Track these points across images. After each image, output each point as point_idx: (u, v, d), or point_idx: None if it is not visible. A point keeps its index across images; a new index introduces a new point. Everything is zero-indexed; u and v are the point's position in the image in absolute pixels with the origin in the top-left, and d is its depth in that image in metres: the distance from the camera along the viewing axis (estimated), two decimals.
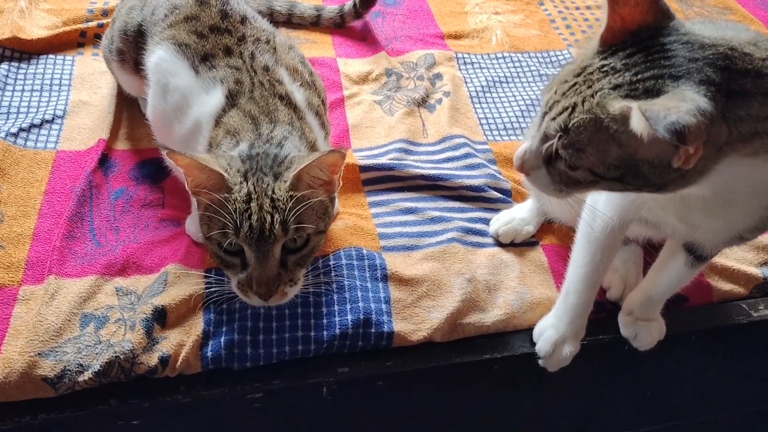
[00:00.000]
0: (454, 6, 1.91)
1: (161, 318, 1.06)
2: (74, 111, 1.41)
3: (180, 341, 1.04)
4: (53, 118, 1.38)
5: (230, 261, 0.98)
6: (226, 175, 0.94)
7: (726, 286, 1.27)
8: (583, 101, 0.77)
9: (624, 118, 0.73)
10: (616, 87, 0.76)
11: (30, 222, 1.18)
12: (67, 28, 1.59)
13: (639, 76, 0.75)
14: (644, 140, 0.72)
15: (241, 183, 0.94)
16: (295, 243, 0.98)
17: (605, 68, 0.77)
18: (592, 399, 1.32)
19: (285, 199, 0.94)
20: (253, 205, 0.93)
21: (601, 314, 1.20)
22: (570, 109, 0.78)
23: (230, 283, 1.02)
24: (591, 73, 0.78)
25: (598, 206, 1.02)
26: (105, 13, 1.67)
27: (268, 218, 0.92)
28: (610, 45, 0.80)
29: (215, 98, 1.07)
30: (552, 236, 1.30)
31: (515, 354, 1.15)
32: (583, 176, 0.81)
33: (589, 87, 0.77)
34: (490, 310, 1.16)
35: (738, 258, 1.31)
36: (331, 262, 1.17)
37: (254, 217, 0.92)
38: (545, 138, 0.82)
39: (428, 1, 1.92)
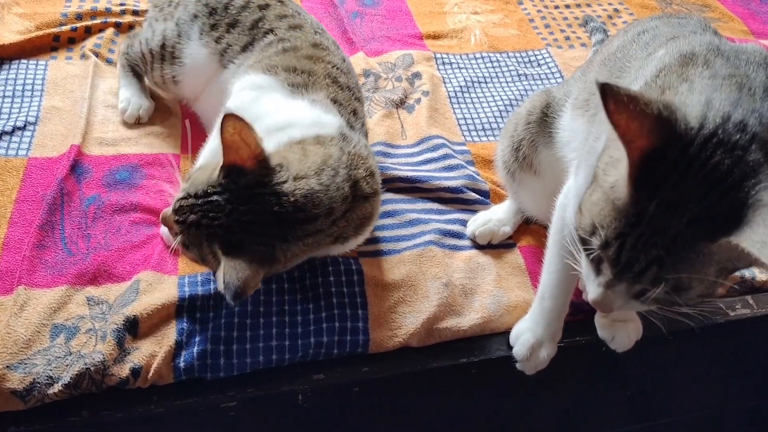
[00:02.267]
0: (433, 6, 1.91)
1: (133, 328, 1.05)
2: (47, 117, 1.39)
3: (152, 352, 1.03)
4: (25, 125, 1.36)
5: None
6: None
7: None
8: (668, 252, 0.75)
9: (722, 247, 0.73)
10: (690, 223, 0.73)
11: (0, 231, 1.17)
12: (40, 33, 1.57)
13: (705, 203, 0.73)
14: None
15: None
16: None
17: (662, 206, 0.74)
18: (572, 400, 1.31)
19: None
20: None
21: (578, 316, 1.19)
22: (658, 261, 0.76)
23: None
24: (653, 218, 0.75)
25: (568, 213, 1.01)
26: (79, 17, 1.65)
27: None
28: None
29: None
30: (529, 237, 1.30)
31: (492, 357, 1.14)
32: (691, 301, 0.81)
33: (663, 234, 0.74)
34: (466, 314, 1.16)
35: None
36: (307, 271, 1.16)
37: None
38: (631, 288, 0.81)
39: (407, 2, 1.91)
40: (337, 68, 1.26)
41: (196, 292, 1.10)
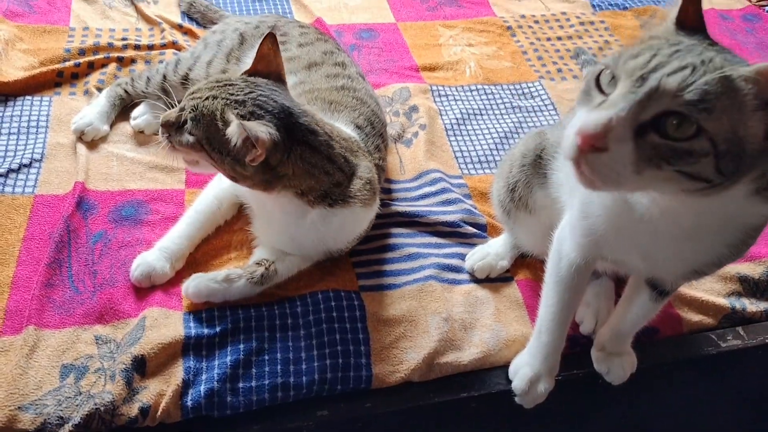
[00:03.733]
0: (429, 39, 1.95)
1: (141, 367, 1.07)
2: (52, 154, 1.42)
3: (160, 391, 1.05)
4: (31, 162, 1.39)
5: None
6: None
7: (695, 317, 1.30)
8: (702, 62, 0.72)
9: (754, 82, 0.71)
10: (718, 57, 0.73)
11: (8, 270, 1.19)
12: (45, 69, 1.59)
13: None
14: None
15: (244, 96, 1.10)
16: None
17: (702, 43, 0.76)
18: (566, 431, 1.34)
19: (211, 112, 1.08)
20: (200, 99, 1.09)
21: (576, 349, 1.22)
22: (691, 68, 0.72)
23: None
24: (692, 45, 0.75)
25: (564, 247, 1.05)
26: (82, 53, 1.68)
27: (200, 107, 1.09)
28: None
29: None
30: (526, 271, 1.33)
31: (492, 392, 1.17)
32: (699, 146, 0.71)
33: (699, 54, 0.73)
34: (466, 349, 1.18)
35: (706, 289, 1.34)
36: (310, 307, 1.18)
37: (199, 96, 1.10)
38: (648, 100, 0.72)
39: (403, 34, 1.95)
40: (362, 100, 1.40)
41: (201, 330, 1.13)
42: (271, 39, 1.13)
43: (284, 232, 1.21)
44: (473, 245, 1.36)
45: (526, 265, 1.34)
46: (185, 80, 1.50)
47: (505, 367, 1.19)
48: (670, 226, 0.88)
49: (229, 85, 1.09)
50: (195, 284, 1.16)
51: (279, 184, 1.12)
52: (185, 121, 1.08)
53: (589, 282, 1.27)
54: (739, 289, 1.36)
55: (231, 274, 1.17)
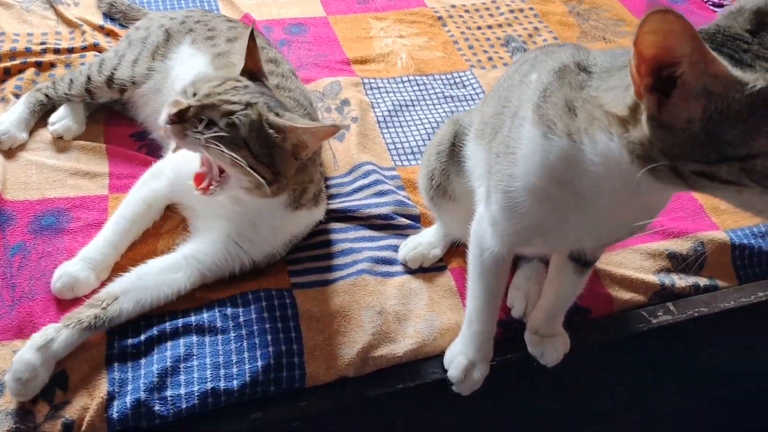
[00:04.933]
0: (360, 31, 1.94)
1: (62, 381, 1.03)
2: None
3: (84, 405, 1.02)
4: None
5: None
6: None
7: (626, 295, 1.32)
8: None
9: None
10: None
11: None
12: None
13: None
14: None
15: (261, 89, 1.16)
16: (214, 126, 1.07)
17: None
18: (509, 413, 1.35)
19: (252, 114, 1.09)
20: (231, 88, 1.12)
21: (509, 333, 1.23)
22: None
23: None
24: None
25: (485, 240, 1.05)
26: None
27: (228, 100, 1.10)
28: None
29: None
30: (459, 258, 1.33)
31: (428, 381, 1.17)
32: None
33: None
34: (401, 341, 1.18)
35: (636, 267, 1.37)
36: (240, 308, 1.16)
37: (223, 87, 1.12)
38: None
39: (334, 28, 1.94)
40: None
41: (125, 339, 1.10)
42: (252, 36, 1.16)
43: (250, 233, 1.20)
44: (406, 236, 1.35)
45: (459, 253, 1.34)
46: (110, 81, 1.46)
47: (441, 356, 1.19)
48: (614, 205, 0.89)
49: (246, 86, 1.12)
50: (9, 374, 1.01)
51: (293, 183, 1.15)
52: (209, 121, 1.06)
53: (518, 265, 1.29)
54: (668, 265, 1.39)
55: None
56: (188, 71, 1.41)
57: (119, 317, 1.09)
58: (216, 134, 1.04)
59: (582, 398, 1.40)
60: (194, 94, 1.08)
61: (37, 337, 1.02)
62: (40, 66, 1.62)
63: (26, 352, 1.00)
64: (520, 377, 1.26)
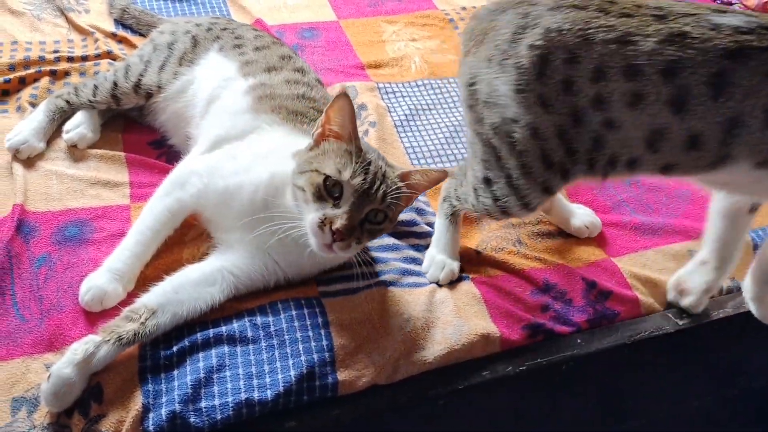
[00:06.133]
0: (372, 35, 1.93)
1: (97, 394, 1.03)
2: None
3: (119, 417, 1.01)
4: None
5: (325, 195, 1.10)
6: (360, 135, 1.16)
7: (651, 297, 1.33)
8: None
9: None
10: None
11: None
12: None
13: None
14: None
15: (365, 150, 1.14)
16: (376, 216, 1.12)
17: None
18: (539, 416, 1.35)
19: (391, 181, 1.13)
20: (371, 168, 1.11)
21: (538, 337, 1.24)
22: None
23: (304, 219, 1.11)
24: None
25: None
26: (12, 68, 1.61)
27: (377, 184, 1.10)
28: None
29: None
30: (479, 269, 1.33)
31: (458, 388, 1.17)
32: None
33: None
34: (429, 347, 1.18)
35: (660, 268, 1.38)
36: (270, 317, 1.16)
37: (368, 177, 1.10)
38: None
39: (346, 32, 1.93)
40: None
41: (157, 351, 1.09)
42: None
43: (295, 258, 1.19)
44: (427, 246, 1.35)
45: (480, 262, 1.34)
46: (138, 86, 1.45)
47: (470, 361, 1.19)
48: None
49: (369, 161, 1.12)
50: (47, 387, 1.00)
51: None
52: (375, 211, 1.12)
53: None
54: None
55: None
56: (216, 77, 1.41)
57: (156, 331, 1.08)
58: (379, 228, 1.14)
59: (608, 399, 1.40)
60: (336, 195, 1.09)
61: (77, 352, 1.01)
62: (54, 74, 1.61)
63: (65, 367, 0.99)
64: (549, 381, 1.26)
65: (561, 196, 1.38)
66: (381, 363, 1.14)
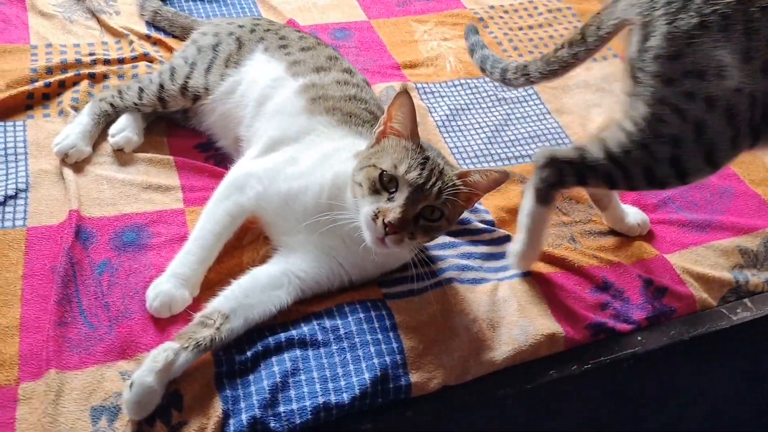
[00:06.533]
0: (404, 35, 1.93)
1: (177, 401, 1.02)
2: (37, 182, 1.34)
3: (201, 425, 1.01)
4: (16, 193, 1.30)
5: (381, 189, 1.10)
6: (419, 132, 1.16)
7: (705, 293, 1.34)
8: None
9: None
10: None
11: (14, 311, 1.11)
12: (13, 92, 1.50)
13: None
14: None
15: (425, 148, 1.14)
16: (432, 213, 1.11)
17: None
18: (602, 417, 1.36)
19: (448, 178, 1.11)
20: (428, 164, 1.10)
21: (599, 335, 1.24)
22: None
23: (359, 211, 1.11)
24: None
25: None
26: (50, 71, 1.59)
27: (433, 180, 1.09)
28: None
29: None
30: (539, 264, 1.33)
31: (527, 387, 1.18)
32: None
33: None
34: (497, 348, 1.18)
35: (711, 264, 1.39)
36: (338, 320, 1.15)
37: (424, 172, 1.09)
38: None
39: (378, 32, 1.93)
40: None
41: (231, 356, 1.09)
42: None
43: (360, 261, 1.19)
44: (484, 242, 1.36)
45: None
46: (185, 89, 1.44)
47: (536, 361, 1.20)
48: None
49: (426, 157, 1.12)
50: (130, 397, 0.99)
51: None
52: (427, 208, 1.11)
53: None
54: (740, 261, 1.41)
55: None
56: (264, 77, 1.40)
57: (230, 336, 1.08)
58: (434, 225, 1.12)
59: (665, 397, 1.41)
60: (392, 190, 1.09)
61: (157, 360, 1.00)
62: (93, 78, 1.60)
63: (146, 375, 0.98)
64: (612, 379, 1.27)
65: (616, 195, 1.39)
66: (450, 364, 1.14)
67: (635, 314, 1.28)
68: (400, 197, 1.08)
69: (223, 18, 1.72)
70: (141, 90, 1.46)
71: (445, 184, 1.10)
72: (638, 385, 1.32)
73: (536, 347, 1.20)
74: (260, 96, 1.39)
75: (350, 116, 1.33)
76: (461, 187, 1.12)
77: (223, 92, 1.44)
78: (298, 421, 1.04)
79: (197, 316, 1.09)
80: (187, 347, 1.02)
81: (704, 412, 1.46)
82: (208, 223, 1.22)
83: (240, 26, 1.54)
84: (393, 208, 1.07)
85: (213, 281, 1.21)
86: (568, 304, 1.26)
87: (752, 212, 1.52)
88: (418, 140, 1.13)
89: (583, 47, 1.30)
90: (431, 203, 1.10)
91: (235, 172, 1.29)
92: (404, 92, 1.11)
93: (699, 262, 1.39)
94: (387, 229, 1.07)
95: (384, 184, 1.10)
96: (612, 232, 1.43)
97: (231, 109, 1.43)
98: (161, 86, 1.45)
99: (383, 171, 1.09)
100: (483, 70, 1.47)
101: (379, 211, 1.08)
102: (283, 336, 1.12)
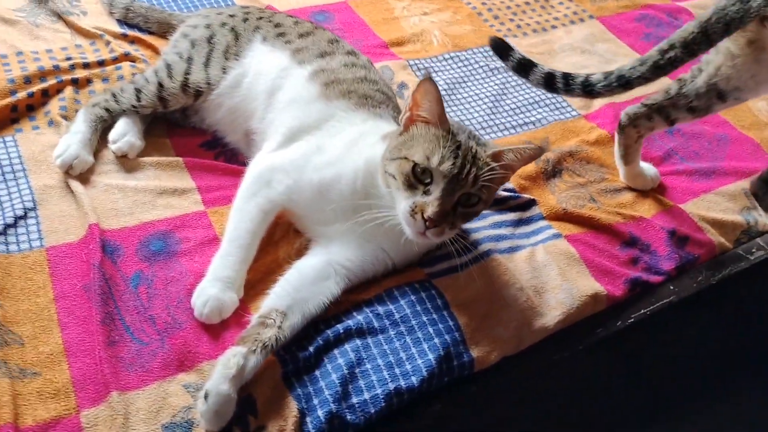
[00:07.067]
0: (384, 13, 1.90)
1: (251, 407, 0.99)
2: (44, 199, 1.25)
3: (279, 427, 0.98)
4: (25, 212, 1.22)
5: (416, 183, 1.08)
6: (450, 120, 1.12)
7: (722, 237, 1.39)
8: None
9: None
10: None
11: (54, 337, 1.05)
12: None
13: None
14: None
15: (456, 132, 1.10)
16: (469, 199, 1.09)
17: None
18: (642, 370, 1.40)
19: (483, 162, 1.09)
20: (460, 151, 1.08)
21: (636, 290, 1.28)
22: None
23: (397, 207, 1.10)
24: None
25: None
26: (28, 80, 1.49)
27: (467, 167, 1.07)
28: None
29: None
30: (570, 226, 1.35)
31: (579, 348, 1.20)
32: None
33: None
34: (547, 313, 1.20)
35: (723, 209, 1.45)
36: (390, 306, 1.14)
37: (458, 161, 1.07)
38: None
39: (357, 12, 1.89)
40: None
41: (294, 354, 1.06)
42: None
43: (403, 246, 1.17)
44: (511, 209, 1.37)
45: (567, 219, 1.36)
46: (185, 85, 1.38)
47: (583, 321, 1.22)
48: None
49: (458, 143, 1.09)
50: (207, 408, 0.95)
51: None
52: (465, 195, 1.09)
53: None
54: (747, 204, 1.47)
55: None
56: (271, 67, 1.36)
57: (291, 333, 1.05)
58: (472, 211, 1.12)
59: (706, 341, 1.47)
60: (426, 181, 1.07)
61: (230, 366, 0.96)
62: (76, 83, 1.51)
63: (221, 383, 0.95)
64: (653, 331, 1.30)
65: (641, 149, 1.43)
66: (506, 335, 1.15)
67: (665, 265, 1.32)
68: (437, 190, 1.06)
69: (209, 9, 1.65)
70: (138, 91, 1.38)
71: (480, 170, 1.08)
72: (674, 333, 1.37)
73: (582, 308, 1.22)
74: (270, 87, 1.34)
75: (366, 98, 1.30)
76: (497, 170, 1.10)
77: (228, 86, 1.38)
78: (373, 411, 1.03)
79: (255, 318, 1.06)
80: (254, 350, 0.99)
81: (731, 350, 1.53)
82: (242, 222, 1.18)
83: (231, 16, 1.48)
84: (430, 201, 1.06)
85: (253, 281, 1.17)
86: (603, 263, 1.29)
87: (748, 156, 1.58)
88: (447, 126, 1.11)
89: None
90: (468, 191, 1.09)
91: (257, 167, 1.25)
92: (428, 79, 1.09)
93: (711, 208, 1.44)
94: (427, 223, 1.06)
95: (418, 177, 1.08)
96: (626, 188, 1.47)
97: (239, 103, 1.38)
98: (160, 85, 1.38)
99: (416, 164, 1.07)
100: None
101: (416, 206, 1.06)
102: (340, 328, 1.10)
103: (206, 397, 0.94)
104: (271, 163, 1.24)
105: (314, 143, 1.24)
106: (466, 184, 1.08)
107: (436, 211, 1.05)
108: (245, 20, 1.46)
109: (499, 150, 1.12)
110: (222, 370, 0.96)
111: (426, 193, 1.07)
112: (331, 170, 1.18)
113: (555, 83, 1.33)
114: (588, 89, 1.29)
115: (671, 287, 1.31)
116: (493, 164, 1.10)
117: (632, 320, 1.24)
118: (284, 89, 1.33)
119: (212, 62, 1.39)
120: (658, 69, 1.22)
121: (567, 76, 1.32)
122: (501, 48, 1.39)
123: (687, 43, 1.19)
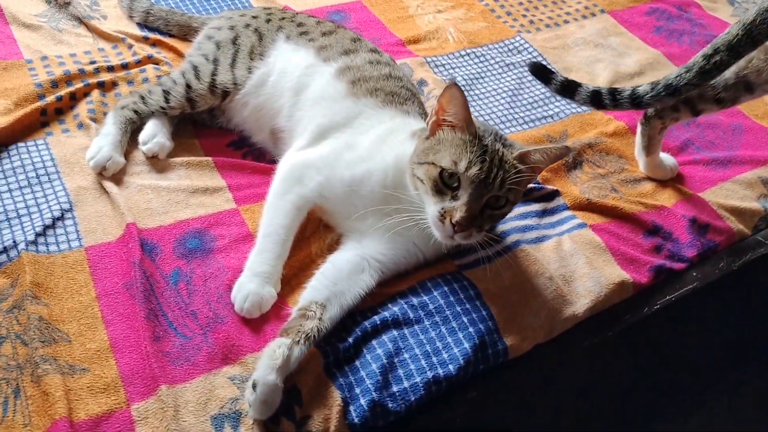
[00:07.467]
0: (398, 11, 1.93)
1: (296, 397, 1.02)
2: (80, 200, 1.28)
3: (324, 416, 1.01)
4: (62, 214, 1.25)
5: (443, 188, 1.10)
6: (476, 121, 1.13)
7: (740, 224, 1.42)
8: None
9: None
10: None
11: (100, 334, 1.07)
12: (26, 110, 1.42)
13: None
14: None
15: (482, 136, 1.12)
16: (497, 201, 1.12)
17: None
18: (669, 355, 1.43)
19: (510, 165, 1.11)
20: (487, 156, 1.09)
21: (660, 277, 1.30)
22: None
23: (426, 210, 1.12)
24: None
25: None
26: (54, 84, 1.51)
27: (495, 171, 1.09)
28: None
29: None
30: (594, 215, 1.38)
31: (608, 335, 1.23)
32: None
33: None
34: (576, 301, 1.22)
35: (741, 196, 1.47)
36: (423, 297, 1.17)
37: (485, 165, 1.08)
38: None
39: (373, 11, 1.92)
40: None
41: (335, 345, 1.09)
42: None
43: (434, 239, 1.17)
44: (535, 200, 1.39)
45: (590, 209, 1.39)
46: (213, 86, 1.40)
47: (611, 309, 1.25)
48: None
49: (484, 147, 1.11)
50: (256, 397, 0.98)
51: None
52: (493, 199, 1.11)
53: None
54: (764, 191, 1.50)
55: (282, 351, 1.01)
56: (296, 65, 1.39)
57: (331, 325, 1.08)
58: (500, 213, 1.14)
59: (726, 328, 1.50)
60: (454, 185, 1.09)
61: (276, 357, 0.99)
62: (103, 86, 1.53)
63: (268, 374, 0.97)
64: (678, 317, 1.33)
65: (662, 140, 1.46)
66: (538, 323, 1.18)
67: (687, 252, 1.35)
68: (464, 195, 1.08)
69: (231, 11, 1.68)
70: (167, 93, 1.41)
71: (508, 173, 1.10)
72: (696, 321, 1.40)
73: (610, 296, 1.25)
74: (297, 85, 1.37)
75: (392, 95, 1.33)
76: (523, 173, 1.12)
77: (254, 85, 1.41)
78: (413, 398, 1.06)
79: (295, 310, 1.08)
80: (298, 341, 1.02)
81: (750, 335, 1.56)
82: (276, 218, 1.21)
83: (254, 17, 1.51)
84: (458, 207, 1.08)
85: (287, 275, 1.20)
86: (628, 251, 1.32)
87: (763, 144, 1.61)
88: (474, 130, 1.12)
89: None
90: (495, 194, 1.11)
91: (287, 165, 1.27)
92: (453, 84, 1.11)
93: (729, 196, 1.47)
94: (455, 228, 1.08)
95: (446, 182, 1.10)
96: (645, 178, 1.50)
97: (264, 102, 1.40)
98: (188, 86, 1.41)
99: (443, 169, 1.09)
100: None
101: (444, 212, 1.09)
102: (377, 319, 1.13)
103: (254, 387, 0.97)
104: (302, 161, 1.26)
105: (344, 140, 1.27)
106: (493, 187, 1.10)
107: (464, 216, 1.08)
108: (268, 21, 1.49)
109: (525, 150, 1.13)
110: (268, 361, 0.99)
111: (454, 198, 1.10)
112: (361, 167, 1.21)
113: (602, 100, 1.33)
114: (636, 102, 1.29)
115: (694, 274, 1.33)
116: (520, 166, 1.12)
117: (658, 306, 1.27)
118: (311, 87, 1.36)
119: (238, 63, 1.42)
120: (705, 74, 1.23)
121: (613, 92, 1.33)
122: (542, 72, 1.39)
123: (732, 46, 1.20)
